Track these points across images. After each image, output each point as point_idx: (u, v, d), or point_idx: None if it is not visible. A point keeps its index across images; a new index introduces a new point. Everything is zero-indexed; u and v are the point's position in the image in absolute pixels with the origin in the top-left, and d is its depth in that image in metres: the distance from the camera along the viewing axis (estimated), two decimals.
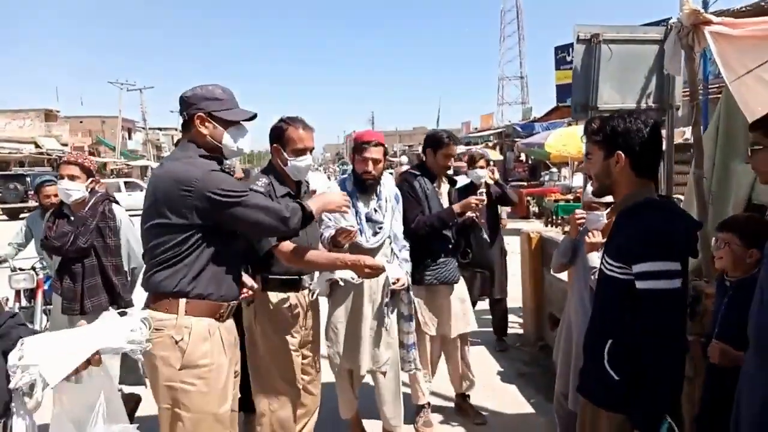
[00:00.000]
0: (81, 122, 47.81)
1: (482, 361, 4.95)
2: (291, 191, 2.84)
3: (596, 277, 2.40)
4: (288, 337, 2.85)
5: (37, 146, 35.25)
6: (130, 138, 49.98)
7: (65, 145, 39.40)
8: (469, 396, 4.05)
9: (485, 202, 3.81)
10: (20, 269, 5.18)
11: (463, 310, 3.86)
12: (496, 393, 4.38)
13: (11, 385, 1.65)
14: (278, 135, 2.83)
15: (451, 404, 4.15)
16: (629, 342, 1.88)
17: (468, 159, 4.99)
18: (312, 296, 2.99)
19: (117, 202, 3.73)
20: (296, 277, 2.88)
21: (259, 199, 2.29)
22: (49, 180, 4.66)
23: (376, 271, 2.57)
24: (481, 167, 4.73)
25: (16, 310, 4.64)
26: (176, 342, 2.15)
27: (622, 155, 1.94)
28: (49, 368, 1.66)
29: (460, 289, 3.86)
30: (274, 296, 2.84)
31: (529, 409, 4.14)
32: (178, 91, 2.33)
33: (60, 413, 1.84)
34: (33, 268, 5.16)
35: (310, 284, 2.97)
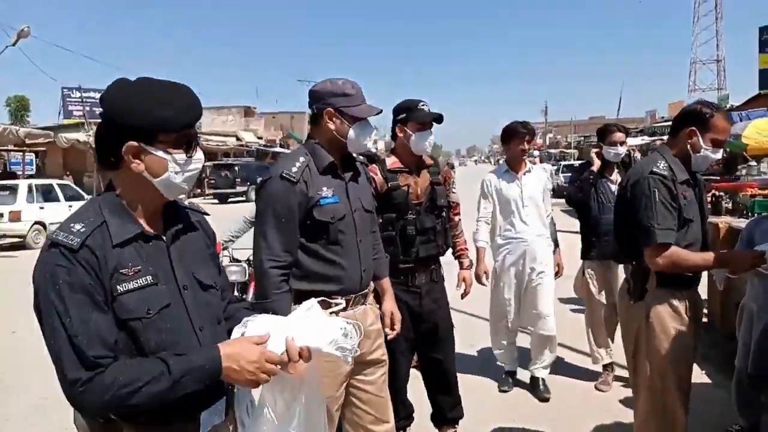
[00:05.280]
0: (274, 117, 53.32)
1: None
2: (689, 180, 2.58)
3: None
4: (679, 340, 2.61)
5: (238, 139, 39.32)
6: None
7: (260, 138, 44.04)
8: None
9: None
10: (236, 260, 4.88)
11: None
12: None
13: None
14: (700, 119, 2.52)
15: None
16: None
17: (599, 131, 4.39)
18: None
19: None
20: (690, 275, 2.64)
21: None
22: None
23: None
24: (621, 143, 4.20)
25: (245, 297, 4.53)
26: None
27: None
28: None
29: None
30: (666, 294, 2.61)
31: (706, 380, 4.38)
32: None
33: (263, 401, 1.60)
34: (249, 260, 4.64)
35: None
